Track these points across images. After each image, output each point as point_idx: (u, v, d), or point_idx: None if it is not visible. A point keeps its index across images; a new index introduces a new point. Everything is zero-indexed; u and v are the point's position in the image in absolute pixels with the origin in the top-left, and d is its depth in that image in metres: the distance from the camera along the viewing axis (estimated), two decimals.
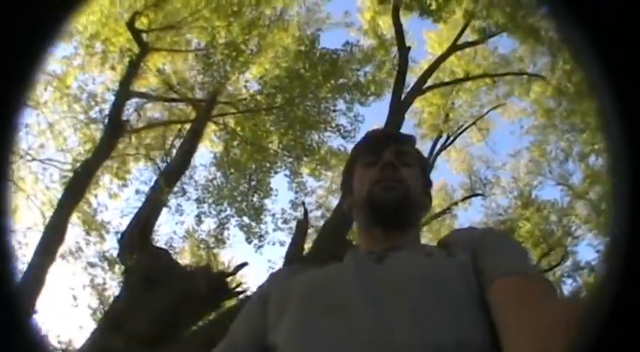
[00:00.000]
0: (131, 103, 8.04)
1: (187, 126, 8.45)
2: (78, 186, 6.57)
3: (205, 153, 9.19)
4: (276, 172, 8.96)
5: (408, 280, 0.87)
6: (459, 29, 8.87)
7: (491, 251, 0.90)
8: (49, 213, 6.98)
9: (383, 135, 1.19)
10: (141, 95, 8.09)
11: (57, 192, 7.74)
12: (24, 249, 6.38)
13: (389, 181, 1.02)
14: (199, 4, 8.13)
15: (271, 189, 8.78)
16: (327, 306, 0.87)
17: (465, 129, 10.59)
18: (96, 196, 8.51)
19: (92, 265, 8.01)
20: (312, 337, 0.84)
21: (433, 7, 7.96)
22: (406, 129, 9.34)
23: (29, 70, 0.36)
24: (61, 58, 9.34)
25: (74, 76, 9.62)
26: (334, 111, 8.69)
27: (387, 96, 8.23)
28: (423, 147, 10.93)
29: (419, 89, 8.56)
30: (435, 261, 0.92)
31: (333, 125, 8.68)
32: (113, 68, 8.24)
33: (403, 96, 7.99)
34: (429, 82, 8.93)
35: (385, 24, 9.17)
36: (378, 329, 0.79)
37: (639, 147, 0.35)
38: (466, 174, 11.28)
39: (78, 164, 7.31)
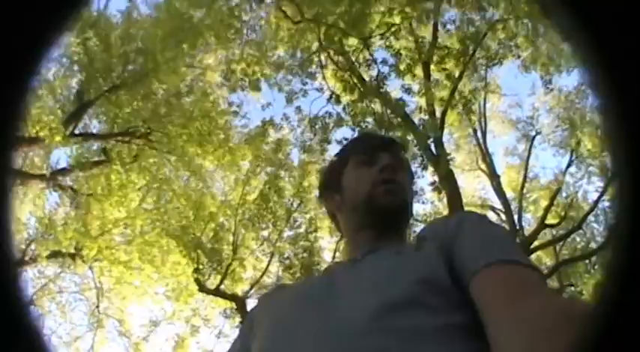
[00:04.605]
0: None
1: None
2: None
3: None
4: None
5: (370, 279, 0.86)
6: None
7: (471, 238, 0.85)
8: None
9: (378, 138, 1.18)
10: None
11: None
12: None
13: (390, 184, 1.01)
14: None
15: None
16: (295, 314, 0.88)
17: (485, 108, 10.55)
18: None
19: None
20: (277, 342, 0.85)
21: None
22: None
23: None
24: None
25: None
26: None
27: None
28: (469, 148, 11.15)
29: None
30: (401, 259, 0.89)
31: None
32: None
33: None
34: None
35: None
36: (337, 325, 0.78)
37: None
38: (514, 129, 11.64)
39: None
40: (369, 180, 1.03)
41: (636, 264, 0.35)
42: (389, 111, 7.82)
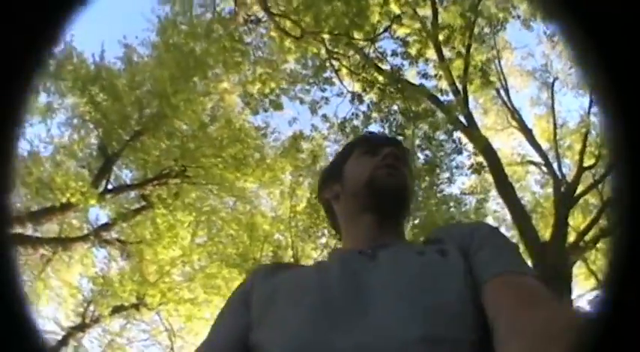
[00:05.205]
0: None
1: None
2: None
3: None
4: None
5: (402, 281, 0.85)
6: None
7: (483, 248, 0.88)
8: None
9: (382, 135, 1.23)
10: None
11: None
12: None
13: (392, 168, 1.03)
14: None
15: None
16: (319, 307, 0.83)
17: (501, 66, 10.63)
18: None
19: None
20: (306, 338, 0.79)
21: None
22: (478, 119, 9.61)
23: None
24: None
25: None
26: None
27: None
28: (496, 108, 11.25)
29: None
30: (428, 261, 0.89)
31: None
32: None
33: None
34: None
35: None
36: (373, 330, 0.77)
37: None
38: (532, 80, 11.76)
39: None
40: (372, 166, 1.04)
41: (636, 264, 0.34)
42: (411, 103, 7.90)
